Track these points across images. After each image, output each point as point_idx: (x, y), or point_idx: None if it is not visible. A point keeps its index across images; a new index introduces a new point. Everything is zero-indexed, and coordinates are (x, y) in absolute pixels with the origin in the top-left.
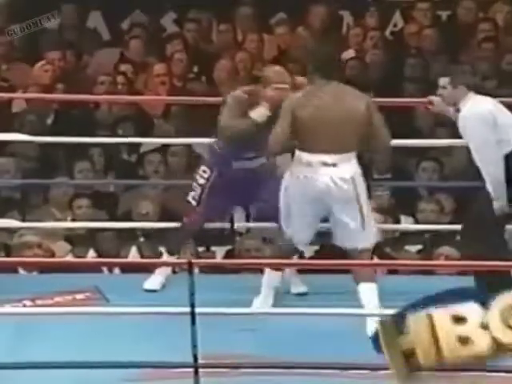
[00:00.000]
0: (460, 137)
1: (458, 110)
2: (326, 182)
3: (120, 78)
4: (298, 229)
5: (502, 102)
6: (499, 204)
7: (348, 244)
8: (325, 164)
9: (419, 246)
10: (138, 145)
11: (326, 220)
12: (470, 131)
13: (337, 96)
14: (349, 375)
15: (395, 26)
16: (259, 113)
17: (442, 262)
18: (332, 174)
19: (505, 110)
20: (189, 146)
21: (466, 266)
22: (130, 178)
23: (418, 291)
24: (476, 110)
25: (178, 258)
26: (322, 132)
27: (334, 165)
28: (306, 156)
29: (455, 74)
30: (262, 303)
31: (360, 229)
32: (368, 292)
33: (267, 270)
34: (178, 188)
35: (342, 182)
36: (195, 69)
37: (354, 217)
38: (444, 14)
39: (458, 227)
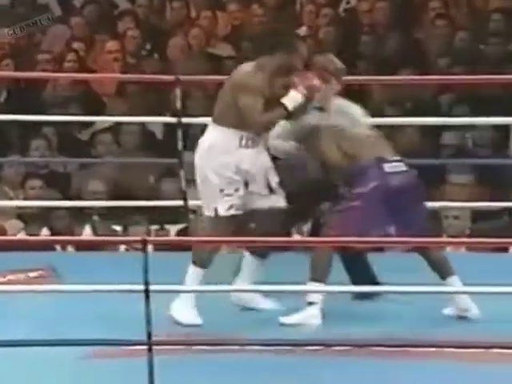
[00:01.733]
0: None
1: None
2: None
3: (71, 56)
4: None
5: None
6: None
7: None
8: None
9: None
10: (91, 123)
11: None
12: None
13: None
14: (303, 352)
15: (348, 3)
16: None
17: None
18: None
19: None
20: (142, 124)
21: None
22: (82, 156)
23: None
24: None
25: None
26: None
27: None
28: None
29: None
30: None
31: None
32: None
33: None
34: (131, 166)
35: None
36: (148, 46)
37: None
38: None
39: None
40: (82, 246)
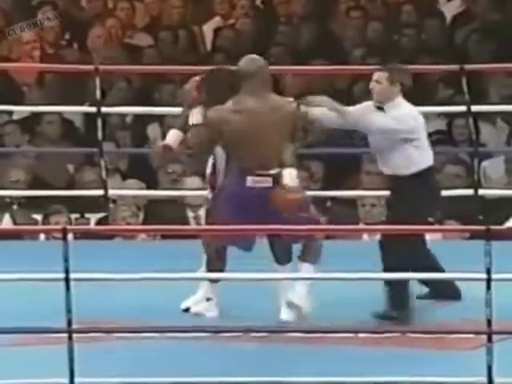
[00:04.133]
0: None
1: (380, 108)
2: None
3: None
4: None
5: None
6: None
7: None
8: None
9: None
10: (10, 113)
11: None
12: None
13: None
14: (221, 338)
15: None
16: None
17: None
18: None
19: None
20: (62, 113)
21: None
22: (1, 146)
23: None
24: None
25: None
26: None
27: None
28: None
29: (395, 71)
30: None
31: None
32: None
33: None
34: (51, 156)
35: None
36: (67, 36)
37: None
38: None
39: (327, 193)
40: (1, 235)
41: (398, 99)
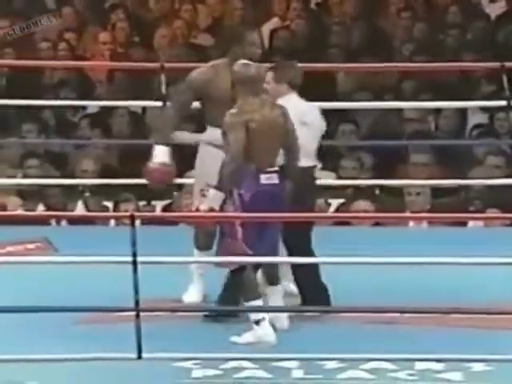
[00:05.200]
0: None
1: None
2: None
3: (63, 45)
4: None
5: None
6: None
7: None
8: None
9: (341, 200)
10: (84, 107)
11: None
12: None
13: None
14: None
15: None
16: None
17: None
18: None
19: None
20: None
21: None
22: (76, 138)
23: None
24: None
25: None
26: None
27: None
28: None
29: (280, 70)
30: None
31: None
32: None
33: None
34: (121, 147)
35: None
36: (135, 36)
37: None
38: None
39: (376, 182)
40: (75, 221)
41: (287, 96)
